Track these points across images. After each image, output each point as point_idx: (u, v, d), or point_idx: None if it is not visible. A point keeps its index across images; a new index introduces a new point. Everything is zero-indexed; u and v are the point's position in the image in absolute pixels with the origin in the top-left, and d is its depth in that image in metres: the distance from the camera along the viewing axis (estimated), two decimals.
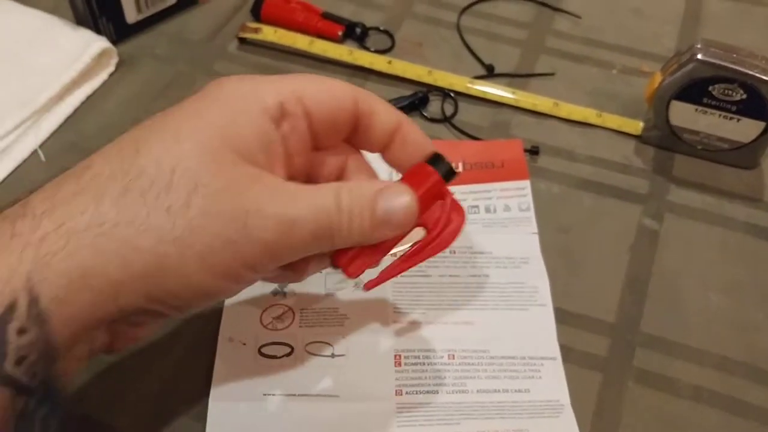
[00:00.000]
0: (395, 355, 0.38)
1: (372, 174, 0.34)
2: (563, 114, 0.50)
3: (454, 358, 0.38)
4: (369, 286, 0.32)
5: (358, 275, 0.31)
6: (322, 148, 0.32)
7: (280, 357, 0.38)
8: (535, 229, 0.44)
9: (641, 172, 0.48)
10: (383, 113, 0.32)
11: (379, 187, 0.30)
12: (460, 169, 0.46)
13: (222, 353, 0.38)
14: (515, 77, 0.53)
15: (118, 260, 0.26)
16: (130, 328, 0.29)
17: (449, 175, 0.32)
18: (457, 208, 0.32)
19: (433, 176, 0.31)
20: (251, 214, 0.27)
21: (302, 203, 0.28)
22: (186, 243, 0.26)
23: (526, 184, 0.46)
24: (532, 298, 0.41)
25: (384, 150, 0.33)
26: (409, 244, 0.32)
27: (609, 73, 0.54)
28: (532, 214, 0.44)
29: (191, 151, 0.27)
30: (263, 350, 0.38)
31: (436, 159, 0.32)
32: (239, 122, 0.28)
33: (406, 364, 0.38)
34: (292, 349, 0.38)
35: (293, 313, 0.40)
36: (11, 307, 0.25)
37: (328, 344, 0.38)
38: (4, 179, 0.45)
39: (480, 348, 0.39)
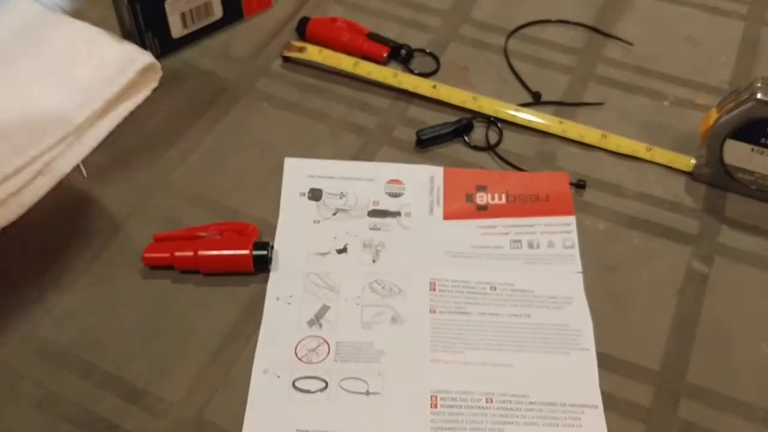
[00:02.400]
0: (431, 396, 0.37)
1: None
2: (611, 146, 0.49)
3: (492, 402, 0.37)
4: None
5: None
6: None
7: (314, 392, 0.37)
8: (580, 268, 0.42)
9: (691, 211, 0.46)
10: None
11: None
12: (503, 200, 0.45)
13: (256, 385, 0.37)
14: (562, 105, 0.51)
15: None
16: None
17: None
18: None
19: None
20: None
21: None
22: None
23: (572, 220, 0.44)
24: (575, 342, 0.39)
25: None
26: None
27: (661, 104, 0.52)
28: (576, 251, 0.43)
29: None
30: (297, 384, 0.37)
31: None
32: None
33: (442, 405, 0.37)
34: (327, 384, 0.37)
35: (328, 345, 0.39)
36: None
37: (363, 381, 0.38)
38: (46, 194, 0.45)
39: (519, 392, 0.37)
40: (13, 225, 0.39)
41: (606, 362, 0.39)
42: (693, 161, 0.48)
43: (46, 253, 0.43)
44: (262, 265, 0.41)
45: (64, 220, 0.44)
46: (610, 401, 0.38)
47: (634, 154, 0.49)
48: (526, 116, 0.49)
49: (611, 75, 0.54)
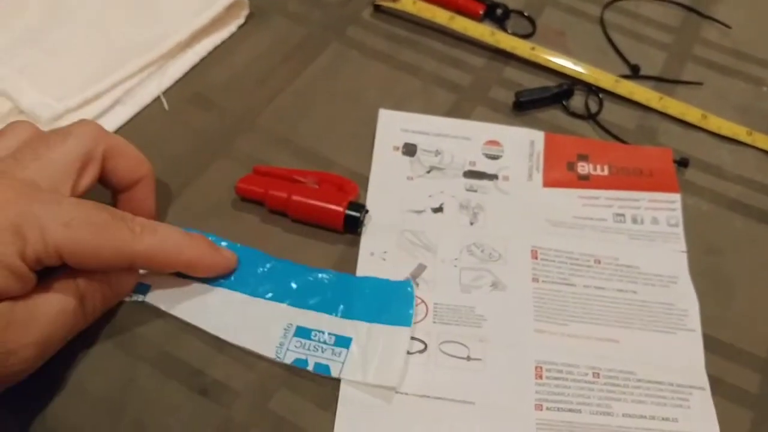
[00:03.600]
0: (536, 367, 0.35)
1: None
2: (712, 127, 0.47)
3: (599, 377, 0.35)
4: None
5: None
6: None
7: (412, 353, 0.35)
8: (684, 247, 0.41)
9: None
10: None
11: None
12: (606, 172, 0.43)
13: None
14: (661, 81, 0.49)
15: None
16: None
17: None
18: None
19: None
20: None
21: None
22: None
23: (677, 197, 0.42)
24: (681, 322, 0.38)
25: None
26: None
27: (759, 90, 0.50)
28: (681, 230, 0.41)
29: None
30: None
31: None
32: None
33: (547, 377, 0.35)
34: (426, 345, 0.35)
35: (426, 306, 0.37)
36: None
37: (464, 346, 0.36)
38: (126, 123, 0.42)
39: (626, 369, 0.36)
40: None
41: (710, 345, 0.38)
42: None
43: None
44: (352, 226, 0.39)
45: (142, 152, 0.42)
46: (716, 385, 0.36)
47: (734, 137, 0.47)
48: (628, 88, 0.47)
49: (709, 56, 0.51)
